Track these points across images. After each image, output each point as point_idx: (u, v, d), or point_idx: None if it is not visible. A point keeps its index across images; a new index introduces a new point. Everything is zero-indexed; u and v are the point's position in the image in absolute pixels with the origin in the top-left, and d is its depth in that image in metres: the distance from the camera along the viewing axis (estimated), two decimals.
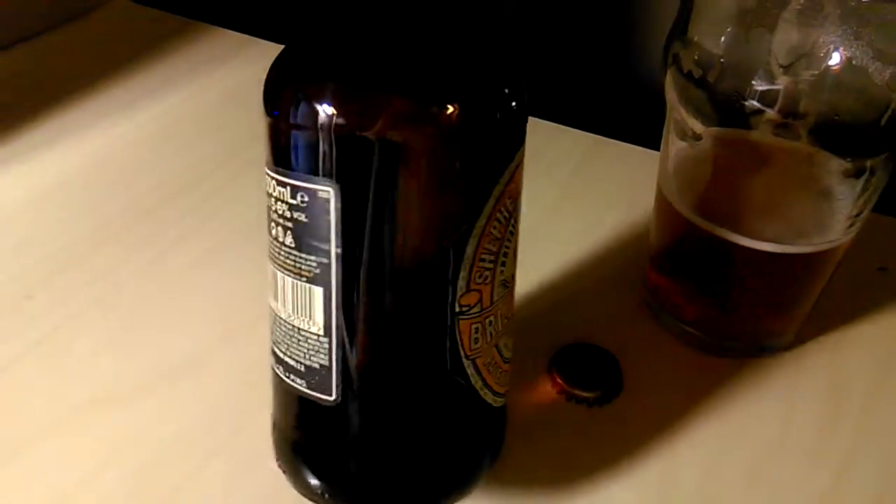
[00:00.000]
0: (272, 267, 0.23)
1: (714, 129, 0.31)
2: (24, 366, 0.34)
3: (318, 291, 0.22)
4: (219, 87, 0.52)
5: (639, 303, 0.37)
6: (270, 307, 0.24)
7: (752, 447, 0.31)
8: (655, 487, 0.30)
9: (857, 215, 0.31)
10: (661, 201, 0.34)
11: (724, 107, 0.30)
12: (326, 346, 0.22)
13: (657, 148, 0.35)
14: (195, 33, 0.57)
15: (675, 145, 0.33)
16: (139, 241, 0.40)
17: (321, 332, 0.22)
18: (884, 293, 0.38)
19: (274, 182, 0.22)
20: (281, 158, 0.21)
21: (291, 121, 0.21)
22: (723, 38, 0.30)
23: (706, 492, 0.30)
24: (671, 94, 0.32)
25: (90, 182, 0.44)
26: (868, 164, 0.29)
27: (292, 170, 0.21)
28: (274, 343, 0.24)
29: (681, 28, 0.31)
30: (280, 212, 0.22)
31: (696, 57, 0.30)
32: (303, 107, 0.20)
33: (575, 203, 0.43)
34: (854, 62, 0.28)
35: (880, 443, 0.31)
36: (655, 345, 0.35)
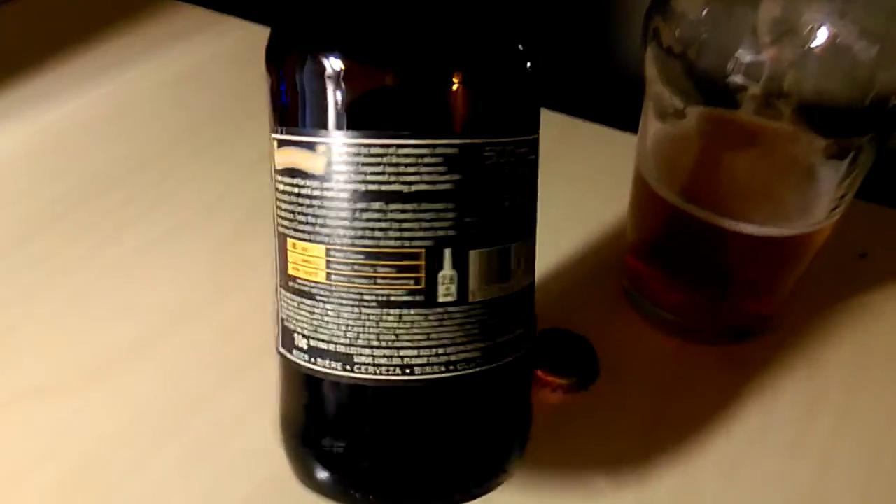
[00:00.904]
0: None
1: (696, 108, 0.30)
2: None
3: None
4: (176, 65, 0.50)
5: (616, 288, 0.37)
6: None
7: (732, 434, 0.31)
8: (632, 476, 0.29)
9: (842, 197, 0.30)
10: (640, 183, 0.33)
11: (706, 83, 0.29)
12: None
13: (633, 129, 0.34)
14: (154, 9, 0.55)
15: (653, 125, 0.32)
16: (88, 223, 0.38)
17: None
18: (864, 279, 0.37)
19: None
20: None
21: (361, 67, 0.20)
22: (704, 12, 0.29)
23: (685, 480, 0.29)
24: (651, 71, 0.31)
25: (37, 161, 0.42)
26: (852, 144, 0.29)
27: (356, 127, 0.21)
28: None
29: (661, 2, 0.30)
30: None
31: (677, 32, 0.29)
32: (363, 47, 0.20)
33: (548, 187, 0.42)
34: (839, 40, 0.27)
35: (862, 429, 0.31)
36: (633, 331, 0.35)
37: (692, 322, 0.34)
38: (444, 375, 0.21)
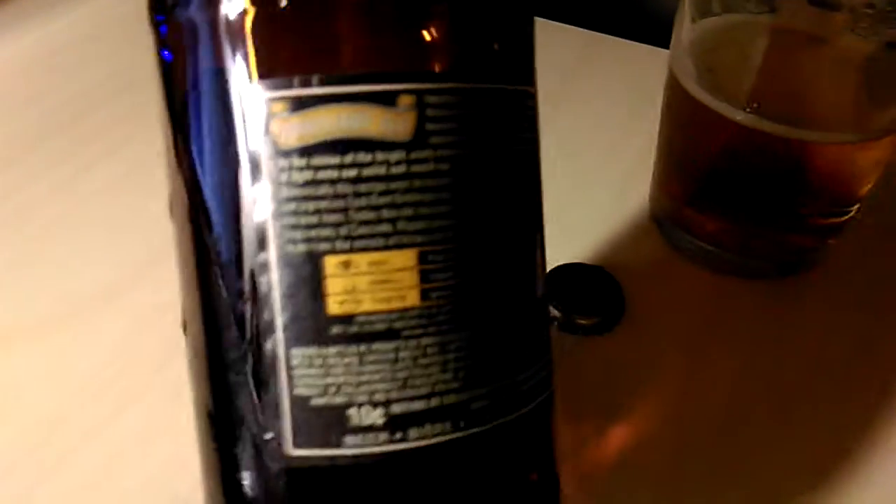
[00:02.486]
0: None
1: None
2: None
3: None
4: None
5: (644, 216, 0.33)
6: (339, 348, 0.15)
7: (776, 379, 0.27)
8: (663, 429, 0.26)
9: None
10: (676, 95, 0.28)
11: None
12: None
13: (655, 43, 0.29)
14: None
15: (696, 25, 0.27)
16: (50, 160, 0.34)
17: None
18: None
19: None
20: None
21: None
22: None
23: (724, 432, 0.25)
24: None
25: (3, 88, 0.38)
26: None
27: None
28: (372, 404, 0.15)
29: None
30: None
31: None
32: None
33: (569, 108, 0.38)
34: None
35: None
36: (663, 264, 0.31)
37: (732, 254, 0.30)
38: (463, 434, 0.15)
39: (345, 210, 0.14)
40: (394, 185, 0.14)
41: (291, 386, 0.15)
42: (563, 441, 0.24)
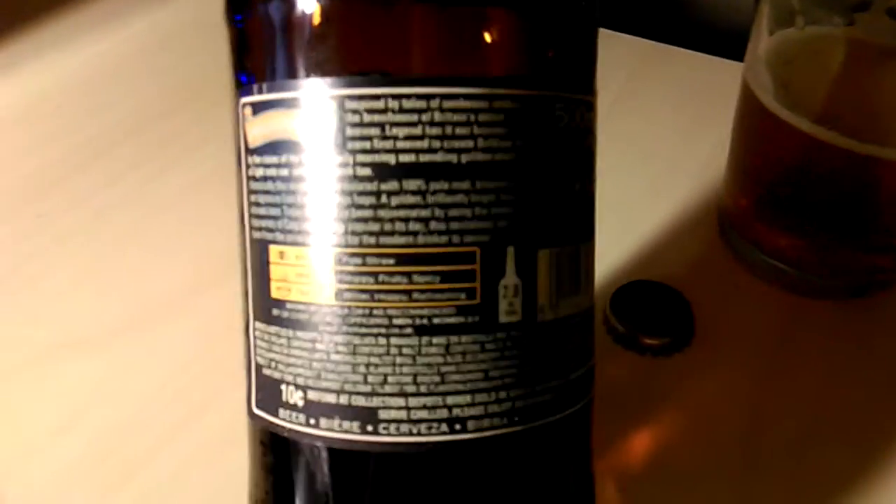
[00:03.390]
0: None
1: (837, 13, 0.24)
2: None
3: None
4: None
5: (714, 233, 0.31)
6: (275, 329, 0.16)
7: (848, 403, 0.26)
8: (736, 452, 0.25)
9: None
10: (750, 107, 0.27)
11: None
12: None
13: (722, 54, 0.28)
14: None
15: (773, 37, 0.26)
16: (124, 166, 0.35)
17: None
18: None
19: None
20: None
21: None
22: None
23: (799, 456, 0.25)
24: None
25: (68, 102, 0.38)
26: None
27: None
28: (294, 385, 0.16)
29: None
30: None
31: None
32: None
33: (630, 118, 0.37)
34: None
35: None
36: (734, 283, 0.30)
37: (807, 273, 0.29)
38: (507, 430, 0.15)
39: (281, 206, 0.16)
40: (317, 185, 0.15)
41: (255, 353, 0.17)
42: (623, 459, 0.24)
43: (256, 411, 0.17)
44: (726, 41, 0.31)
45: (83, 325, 0.29)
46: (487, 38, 0.15)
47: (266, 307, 0.16)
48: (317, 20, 0.15)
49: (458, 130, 0.15)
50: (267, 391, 0.16)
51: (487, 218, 0.15)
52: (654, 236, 0.31)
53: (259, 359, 0.17)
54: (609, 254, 0.30)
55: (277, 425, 0.16)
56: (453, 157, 0.15)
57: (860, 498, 0.24)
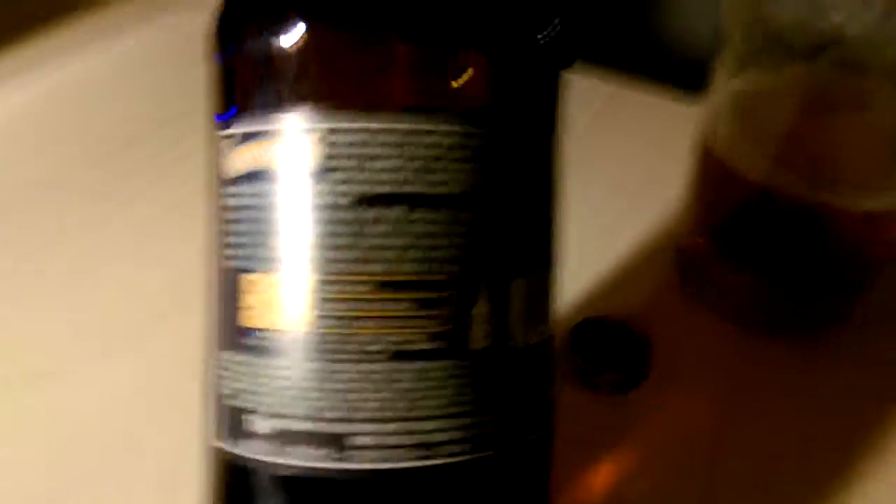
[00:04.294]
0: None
1: (789, 64, 0.25)
2: None
3: None
4: (203, 17, 0.45)
5: (671, 271, 0.32)
6: (242, 357, 0.16)
7: (806, 438, 0.27)
8: (691, 489, 0.25)
9: None
10: (707, 152, 0.28)
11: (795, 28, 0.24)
12: None
13: (690, 88, 0.29)
14: None
15: (727, 86, 0.27)
16: (85, 193, 0.34)
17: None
18: None
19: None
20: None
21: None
22: None
23: (757, 490, 0.25)
24: (731, 18, 0.26)
25: (40, 122, 0.38)
26: None
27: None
28: (260, 414, 0.16)
29: None
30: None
31: None
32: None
33: (593, 159, 0.37)
34: None
35: None
36: (690, 320, 0.30)
37: (762, 312, 0.30)
38: (476, 456, 0.16)
39: (257, 234, 0.16)
40: (296, 214, 0.15)
41: (220, 382, 0.17)
42: (581, 495, 0.24)
43: (218, 443, 0.17)
44: (696, 74, 0.32)
45: (39, 353, 0.28)
46: (461, 75, 0.16)
47: (234, 335, 0.16)
48: (296, 56, 0.15)
49: (436, 164, 0.15)
50: (232, 421, 0.16)
51: (462, 247, 0.15)
52: (612, 273, 0.32)
53: (224, 388, 0.17)
54: (569, 289, 0.31)
55: (242, 456, 0.16)
56: (431, 189, 0.15)
57: None
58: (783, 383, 0.28)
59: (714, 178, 0.29)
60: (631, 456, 0.26)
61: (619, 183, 0.36)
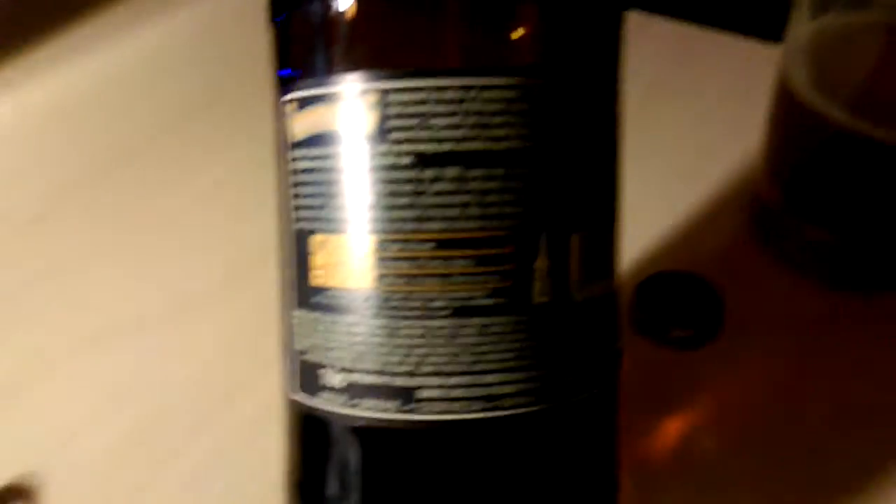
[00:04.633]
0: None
1: (866, 6, 0.24)
2: (29, 294, 0.30)
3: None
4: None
5: (747, 223, 0.31)
6: (316, 315, 0.17)
7: (881, 396, 0.26)
8: (758, 451, 0.25)
9: None
10: (787, 96, 0.27)
11: None
12: None
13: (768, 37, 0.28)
14: None
15: (812, 23, 0.26)
16: (150, 167, 0.36)
17: None
18: None
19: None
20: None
21: None
22: None
23: (818, 459, 0.24)
24: None
25: (97, 102, 0.39)
26: None
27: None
28: (334, 368, 0.17)
29: None
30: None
31: None
32: None
33: (663, 104, 0.36)
34: None
35: None
36: (766, 275, 0.30)
37: (842, 267, 0.28)
38: (540, 407, 0.16)
39: (323, 195, 0.16)
40: (359, 175, 0.16)
41: (294, 339, 0.18)
42: (642, 453, 0.24)
43: (295, 395, 0.18)
44: (770, 20, 0.31)
45: (119, 315, 0.29)
46: (516, 29, 0.16)
47: (306, 294, 0.17)
48: (354, 18, 0.16)
49: (494, 119, 0.15)
50: (306, 375, 0.17)
51: (521, 203, 0.15)
52: (685, 225, 0.31)
53: (298, 344, 0.17)
54: (639, 242, 0.30)
55: (317, 408, 0.17)
56: (490, 145, 0.15)
57: (883, 492, 0.23)
58: (864, 344, 0.27)
59: (792, 123, 0.28)
60: (700, 413, 0.26)
61: (692, 130, 0.35)
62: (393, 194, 0.15)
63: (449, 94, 0.15)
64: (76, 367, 0.28)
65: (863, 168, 0.26)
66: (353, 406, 0.16)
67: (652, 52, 0.39)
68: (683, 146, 0.34)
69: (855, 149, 0.25)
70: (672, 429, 0.25)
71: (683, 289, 0.28)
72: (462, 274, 0.15)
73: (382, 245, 0.15)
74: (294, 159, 0.17)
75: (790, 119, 0.28)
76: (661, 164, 0.33)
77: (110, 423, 0.26)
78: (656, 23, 0.41)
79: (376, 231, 0.15)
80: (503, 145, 0.15)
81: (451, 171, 0.15)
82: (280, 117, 0.17)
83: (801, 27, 0.26)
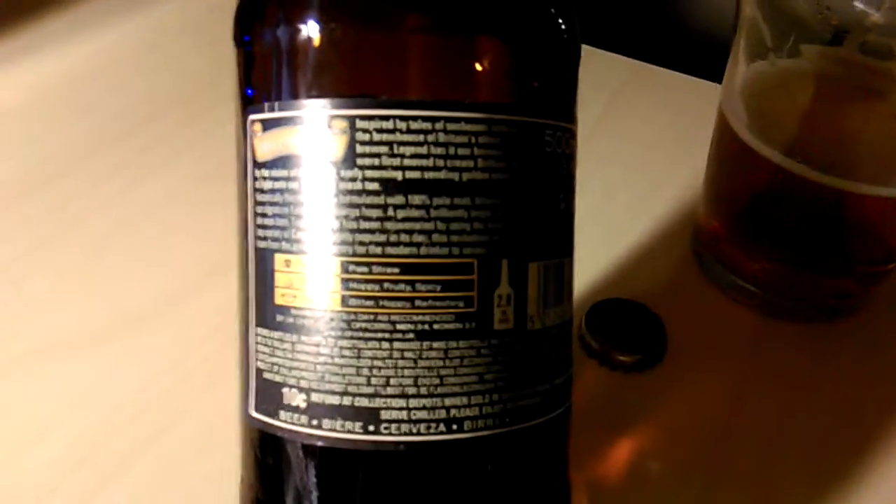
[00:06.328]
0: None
1: (809, 48, 0.26)
2: None
3: None
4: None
5: (687, 254, 0.32)
6: (278, 334, 0.17)
7: (812, 423, 0.27)
8: (702, 468, 0.26)
9: None
10: (726, 135, 0.29)
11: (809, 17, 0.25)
12: None
13: (705, 76, 0.30)
14: None
15: (749, 69, 0.28)
16: (105, 171, 0.35)
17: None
18: None
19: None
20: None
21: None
22: None
23: (760, 474, 0.25)
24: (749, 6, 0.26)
25: (55, 102, 0.38)
26: None
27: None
28: (296, 388, 0.17)
29: None
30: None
31: None
32: None
33: (610, 139, 0.38)
34: None
35: None
36: (706, 303, 0.31)
37: (776, 296, 0.30)
38: (499, 431, 0.16)
39: (287, 216, 0.16)
40: (325, 199, 0.16)
41: (254, 357, 0.18)
42: (594, 471, 0.25)
43: (255, 414, 0.17)
44: (715, 59, 0.32)
45: (64, 329, 0.29)
46: (482, 65, 0.16)
47: (269, 313, 0.17)
48: (324, 46, 0.16)
49: (460, 151, 0.16)
50: (267, 394, 0.17)
51: (485, 232, 0.16)
52: (630, 255, 0.32)
53: (260, 363, 0.17)
54: (586, 270, 0.31)
55: (277, 427, 0.17)
56: (455, 175, 0.16)
57: None
58: (797, 368, 0.29)
59: (733, 160, 0.29)
60: (647, 434, 0.26)
61: (638, 164, 0.37)
62: (360, 219, 0.16)
63: (416, 125, 0.15)
64: (17, 381, 0.27)
65: (797, 204, 0.28)
66: (315, 426, 0.16)
67: (600, 87, 0.41)
68: (630, 179, 0.36)
69: (789, 186, 0.27)
70: (622, 449, 0.26)
71: (629, 315, 0.30)
72: (427, 298, 0.16)
73: (348, 268, 0.16)
74: (257, 178, 0.17)
75: (730, 155, 0.29)
76: (606, 194, 0.35)
77: (51, 440, 0.25)
78: (604, 58, 0.43)
79: (342, 254, 0.16)
80: (467, 176, 0.16)
81: (418, 199, 0.15)
82: (244, 135, 0.18)
83: (738, 71, 0.28)
